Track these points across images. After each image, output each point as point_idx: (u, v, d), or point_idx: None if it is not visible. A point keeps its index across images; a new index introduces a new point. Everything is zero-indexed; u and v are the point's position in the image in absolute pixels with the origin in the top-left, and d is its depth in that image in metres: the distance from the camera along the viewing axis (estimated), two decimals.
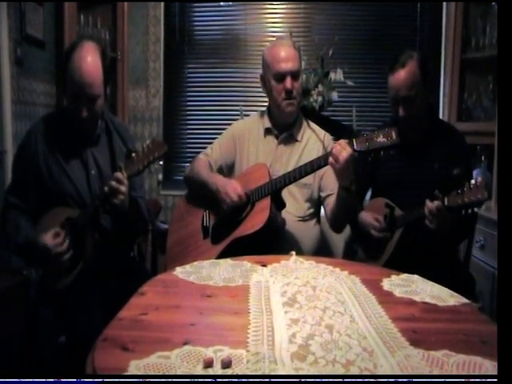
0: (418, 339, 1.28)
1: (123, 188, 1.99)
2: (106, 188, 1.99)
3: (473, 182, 1.94)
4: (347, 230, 2.50)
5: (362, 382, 1.09)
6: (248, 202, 2.32)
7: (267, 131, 2.52)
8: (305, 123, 2.56)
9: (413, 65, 2.27)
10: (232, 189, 2.31)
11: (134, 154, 2.01)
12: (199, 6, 4.22)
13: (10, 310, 2.21)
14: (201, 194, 2.49)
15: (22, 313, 2.19)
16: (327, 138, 2.54)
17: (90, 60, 2.04)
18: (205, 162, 2.53)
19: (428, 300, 1.57)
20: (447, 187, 2.05)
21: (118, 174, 1.98)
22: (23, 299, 2.27)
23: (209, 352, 1.17)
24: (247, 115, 3.18)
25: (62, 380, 1.15)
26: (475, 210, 1.97)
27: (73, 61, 2.04)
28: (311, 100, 3.48)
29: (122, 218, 2.12)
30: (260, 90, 2.64)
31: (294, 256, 1.95)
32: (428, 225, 2.08)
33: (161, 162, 2.05)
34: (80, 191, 2.13)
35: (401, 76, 2.26)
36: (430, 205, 2.05)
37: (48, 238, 2.01)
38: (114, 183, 1.98)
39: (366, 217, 2.34)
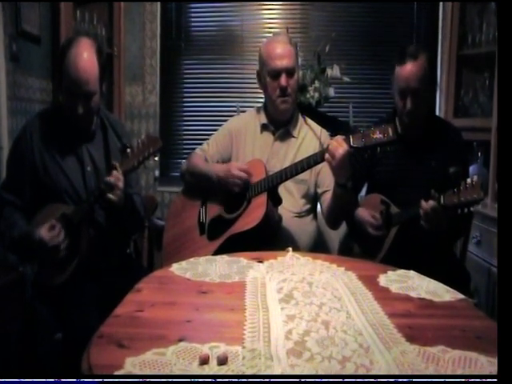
0: (413, 335, 1.28)
1: (120, 184, 1.99)
2: (102, 185, 1.99)
3: (469, 180, 1.94)
4: (343, 225, 2.50)
5: (361, 382, 1.09)
6: (243, 200, 2.32)
7: (264, 127, 2.52)
8: (301, 119, 2.55)
9: (424, 58, 2.25)
10: (236, 169, 2.31)
11: (128, 150, 2.01)
12: (196, 2, 4.20)
13: (5, 306, 2.21)
14: (198, 189, 2.48)
15: (17, 310, 2.19)
16: (324, 134, 2.54)
17: (85, 57, 2.04)
18: (201, 156, 2.53)
19: (424, 296, 1.58)
20: (444, 185, 2.05)
21: (115, 172, 1.98)
22: (19, 296, 2.27)
23: (205, 348, 1.16)
24: (244, 111, 3.18)
25: (61, 380, 1.14)
26: (471, 208, 1.97)
27: (68, 57, 2.03)
28: (308, 96, 3.48)
29: (117, 214, 2.12)
30: (256, 86, 2.63)
31: (290, 252, 1.95)
32: (423, 225, 2.08)
33: (156, 158, 2.05)
34: (75, 187, 2.13)
35: (413, 67, 2.23)
36: (425, 205, 2.04)
37: (43, 231, 2.00)
38: (111, 179, 1.98)
39: (363, 214, 2.33)
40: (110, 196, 1.99)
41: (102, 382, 1.04)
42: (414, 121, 2.28)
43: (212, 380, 1.05)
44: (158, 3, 4.09)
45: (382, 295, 1.57)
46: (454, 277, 1.88)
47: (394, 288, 1.64)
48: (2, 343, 2.11)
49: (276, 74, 2.39)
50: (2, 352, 2.11)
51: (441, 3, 3.96)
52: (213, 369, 1.09)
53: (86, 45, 2.07)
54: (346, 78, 3.66)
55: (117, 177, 1.98)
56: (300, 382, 1.06)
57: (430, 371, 1.11)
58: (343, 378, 1.08)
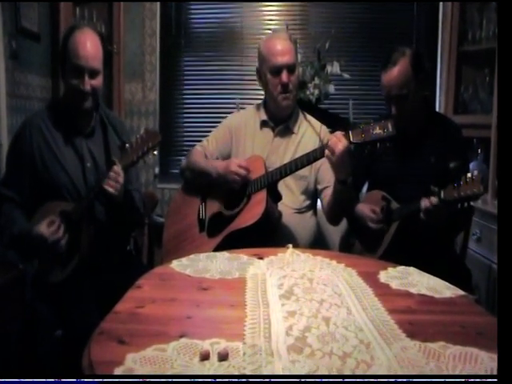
0: (414, 331, 1.28)
1: (120, 178, 2.00)
2: (104, 180, 2.00)
3: (469, 175, 1.95)
4: (344, 222, 2.50)
5: (361, 382, 1.09)
6: (243, 196, 2.32)
7: (263, 123, 2.51)
8: (301, 116, 2.55)
9: (404, 63, 2.26)
10: (235, 165, 2.31)
11: (127, 145, 2.02)
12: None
13: (5, 304, 2.20)
14: (198, 185, 2.48)
15: (17, 307, 2.19)
16: (324, 130, 2.54)
17: (91, 38, 2.11)
18: (201, 153, 2.53)
19: (424, 292, 1.58)
20: (444, 180, 2.05)
21: (116, 167, 1.99)
22: (19, 294, 2.27)
23: (205, 345, 1.16)
24: (243, 108, 3.18)
25: (61, 380, 1.14)
26: (471, 203, 1.98)
27: (74, 39, 2.09)
28: (308, 93, 3.48)
29: (116, 210, 2.12)
30: (256, 83, 2.63)
31: (290, 248, 1.95)
32: (423, 218, 2.08)
33: (155, 152, 2.05)
34: (75, 184, 2.13)
35: (392, 75, 2.26)
36: (427, 201, 2.05)
37: (43, 227, 2.00)
38: (112, 174, 1.99)
39: (363, 208, 2.34)
40: (110, 190, 1.99)
41: (102, 382, 1.04)
42: (403, 123, 2.28)
43: (212, 380, 1.05)
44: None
45: (383, 291, 1.57)
46: (454, 273, 1.88)
47: (395, 284, 1.64)
48: (1, 343, 2.11)
49: (277, 71, 2.39)
50: (1, 352, 2.11)
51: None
52: (213, 365, 1.09)
53: (90, 31, 2.14)
54: (345, 75, 3.66)
55: (117, 171, 2.00)
56: (300, 382, 1.06)
57: (431, 367, 1.11)
58: (343, 378, 1.08)
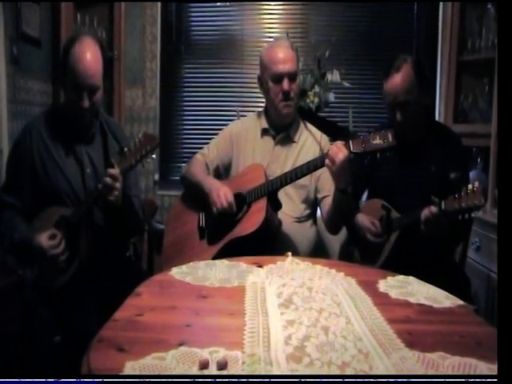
0: (413, 341, 1.28)
1: (117, 184, 2.00)
2: (100, 185, 2.00)
3: (470, 186, 1.94)
4: (343, 231, 2.50)
5: (360, 382, 1.09)
6: (243, 205, 2.32)
7: (264, 132, 2.52)
8: (302, 124, 2.56)
9: (407, 69, 2.26)
10: (223, 195, 2.30)
11: (126, 149, 2.03)
12: (196, 5, 4.20)
13: (4, 309, 2.20)
14: (196, 195, 2.49)
15: (16, 313, 2.18)
16: (324, 139, 2.54)
17: (91, 52, 2.08)
18: (201, 162, 2.53)
19: (423, 301, 1.58)
20: (444, 191, 2.05)
21: (112, 170, 1.99)
22: (18, 298, 2.26)
23: (204, 353, 1.16)
24: (244, 116, 3.18)
25: (61, 380, 1.14)
26: (472, 214, 1.98)
27: (74, 53, 2.06)
28: (308, 101, 3.48)
29: (114, 214, 2.12)
30: (257, 90, 2.64)
31: (290, 257, 1.95)
32: (423, 230, 2.08)
33: (153, 156, 2.06)
34: (75, 189, 2.13)
35: (396, 81, 2.26)
36: (427, 212, 2.05)
37: (44, 239, 2.00)
38: (108, 179, 1.99)
39: (363, 220, 2.34)
40: (108, 196, 2.00)
41: (102, 382, 1.05)
42: (407, 130, 2.28)
43: (212, 380, 1.05)
44: (159, 7, 4.09)
45: (382, 301, 1.57)
46: (453, 282, 1.88)
47: (394, 294, 1.64)
48: (2, 345, 2.11)
49: (278, 79, 2.39)
50: (1, 352, 2.10)
51: (440, 9, 3.96)
52: (212, 374, 1.09)
53: (90, 42, 2.11)
54: (345, 83, 3.67)
55: (114, 176, 2.00)
56: (300, 382, 1.06)
57: None
58: (343, 378, 1.08)
